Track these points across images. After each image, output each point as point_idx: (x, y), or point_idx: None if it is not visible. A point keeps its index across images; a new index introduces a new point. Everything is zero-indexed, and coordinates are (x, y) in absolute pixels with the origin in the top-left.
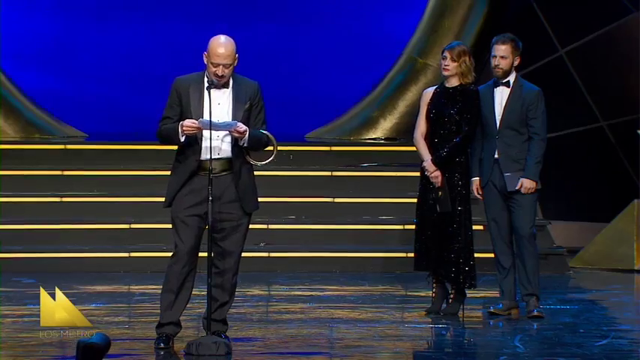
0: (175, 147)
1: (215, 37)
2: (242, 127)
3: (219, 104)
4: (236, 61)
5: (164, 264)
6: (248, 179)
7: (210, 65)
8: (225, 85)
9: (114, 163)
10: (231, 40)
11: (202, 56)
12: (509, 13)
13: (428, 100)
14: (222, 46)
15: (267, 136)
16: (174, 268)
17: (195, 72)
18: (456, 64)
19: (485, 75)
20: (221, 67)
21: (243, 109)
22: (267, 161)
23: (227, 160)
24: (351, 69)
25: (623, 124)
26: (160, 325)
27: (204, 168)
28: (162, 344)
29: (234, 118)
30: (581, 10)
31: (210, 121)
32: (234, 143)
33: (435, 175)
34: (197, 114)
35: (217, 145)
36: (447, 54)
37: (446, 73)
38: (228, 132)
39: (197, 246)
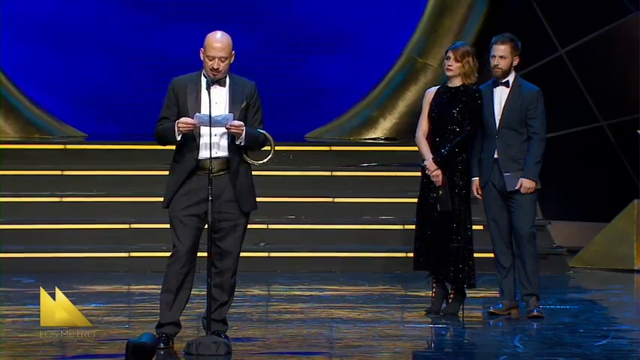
0: (173, 147)
1: (211, 33)
2: (238, 121)
3: (216, 103)
4: (232, 57)
5: (164, 264)
6: (246, 179)
7: (207, 59)
8: (222, 84)
9: (114, 163)
10: (228, 35)
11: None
12: (509, 13)
13: (430, 100)
14: (218, 40)
15: (265, 135)
16: (173, 268)
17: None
18: (459, 64)
19: (484, 75)
20: (217, 59)
21: (239, 108)
22: (265, 160)
23: (225, 160)
24: (351, 68)
25: (623, 124)
26: (159, 325)
27: (202, 167)
28: (162, 344)
29: None
30: (581, 10)
31: (210, 115)
32: (232, 141)
33: (436, 174)
34: (194, 113)
35: (215, 144)
36: (450, 54)
37: (449, 74)
38: (225, 130)
39: (196, 246)
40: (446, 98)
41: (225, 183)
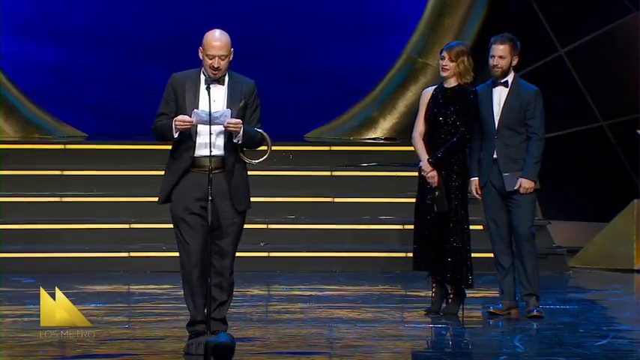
0: (170, 145)
1: (210, 31)
2: (235, 119)
3: (215, 101)
4: (231, 55)
5: (164, 264)
6: (241, 178)
7: (206, 58)
8: (221, 82)
9: (114, 163)
10: (226, 33)
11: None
12: (508, 13)
13: (427, 100)
14: (217, 38)
15: (262, 134)
16: (187, 269)
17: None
18: (454, 64)
19: (484, 75)
20: (217, 58)
21: (238, 107)
22: (261, 159)
23: (220, 158)
24: (351, 67)
25: (623, 124)
26: (191, 323)
27: (197, 164)
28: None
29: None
30: (581, 10)
31: (210, 114)
32: (228, 139)
33: (432, 175)
34: (192, 110)
35: (211, 143)
36: (445, 54)
37: (444, 74)
38: (222, 129)
39: (204, 244)
40: (441, 99)
41: (220, 181)
